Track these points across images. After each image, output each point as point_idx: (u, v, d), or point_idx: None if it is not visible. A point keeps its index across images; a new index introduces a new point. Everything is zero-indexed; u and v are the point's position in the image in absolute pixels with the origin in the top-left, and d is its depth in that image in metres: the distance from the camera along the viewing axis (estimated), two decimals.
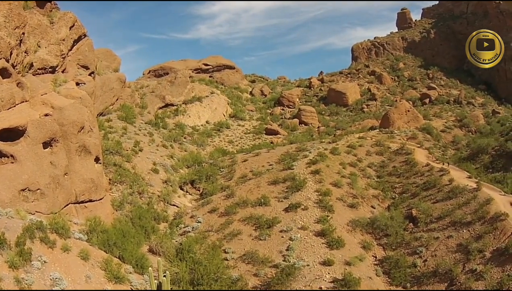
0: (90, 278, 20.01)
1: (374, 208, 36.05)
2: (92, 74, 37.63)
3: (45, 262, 19.16)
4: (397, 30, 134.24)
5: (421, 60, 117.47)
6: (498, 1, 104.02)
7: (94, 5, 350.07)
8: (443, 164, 43.48)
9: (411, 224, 32.50)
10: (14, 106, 24.25)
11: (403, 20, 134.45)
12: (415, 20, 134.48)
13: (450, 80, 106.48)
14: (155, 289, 19.50)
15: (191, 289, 24.66)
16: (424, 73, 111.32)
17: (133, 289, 21.19)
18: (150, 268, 20.44)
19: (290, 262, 27.82)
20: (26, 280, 17.58)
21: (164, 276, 19.65)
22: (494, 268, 24.60)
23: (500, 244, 26.17)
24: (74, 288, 18.86)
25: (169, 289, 19.89)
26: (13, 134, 23.29)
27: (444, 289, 25.51)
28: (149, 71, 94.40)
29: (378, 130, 62.75)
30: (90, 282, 19.84)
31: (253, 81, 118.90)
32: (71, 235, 22.20)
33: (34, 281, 17.80)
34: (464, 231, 28.73)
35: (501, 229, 27.13)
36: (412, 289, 26.77)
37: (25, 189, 23.16)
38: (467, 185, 34.40)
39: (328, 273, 26.75)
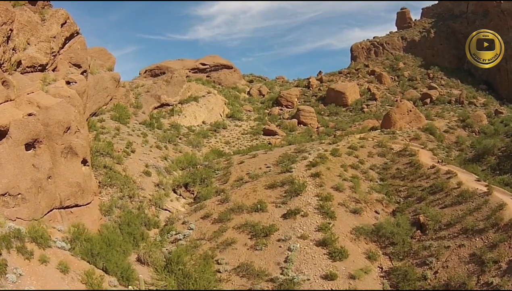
0: None
1: (378, 214, 34.04)
2: (84, 73, 36.16)
3: (20, 275, 17.65)
4: (396, 30, 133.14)
5: (421, 60, 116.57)
6: (498, 0, 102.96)
7: (91, 6, 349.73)
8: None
9: (418, 231, 30.46)
10: None
11: (402, 19, 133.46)
12: (415, 20, 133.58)
13: (450, 80, 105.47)
14: None
15: None
16: (424, 73, 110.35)
17: None
18: (130, 287, 18.64)
19: (288, 275, 25.71)
20: None
21: None
22: (511, 281, 22.71)
23: None
24: None
25: None
26: None
27: None
28: (146, 70, 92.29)
29: (379, 130, 60.91)
30: None
31: (251, 81, 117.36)
32: (52, 244, 20.61)
33: None
34: (477, 239, 26.73)
35: None
36: None
37: (5, 193, 21.56)
38: (477, 188, 32.47)
39: (331, 289, 24.68)
